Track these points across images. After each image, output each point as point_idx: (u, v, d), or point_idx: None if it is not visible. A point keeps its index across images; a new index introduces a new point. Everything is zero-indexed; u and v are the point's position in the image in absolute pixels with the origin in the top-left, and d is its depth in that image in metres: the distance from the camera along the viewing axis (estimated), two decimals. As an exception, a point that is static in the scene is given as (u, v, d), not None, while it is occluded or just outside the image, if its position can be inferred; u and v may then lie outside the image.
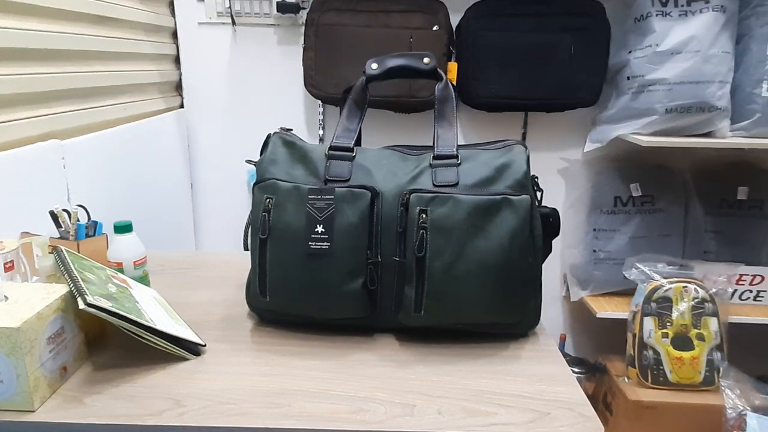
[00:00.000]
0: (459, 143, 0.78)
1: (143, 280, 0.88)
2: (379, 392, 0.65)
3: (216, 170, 1.75)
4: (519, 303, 0.75)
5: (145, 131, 1.38)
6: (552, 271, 1.89)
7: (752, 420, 1.47)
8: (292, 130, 0.86)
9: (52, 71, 1.03)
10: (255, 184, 0.78)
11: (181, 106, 1.68)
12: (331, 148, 0.78)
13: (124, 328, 0.65)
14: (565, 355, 1.86)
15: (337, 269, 0.72)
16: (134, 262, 0.86)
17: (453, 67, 1.56)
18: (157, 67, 1.52)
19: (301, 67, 1.56)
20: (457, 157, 0.76)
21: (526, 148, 0.79)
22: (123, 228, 0.86)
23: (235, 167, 1.74)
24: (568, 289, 1.87)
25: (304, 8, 1.56)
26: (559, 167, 1.79)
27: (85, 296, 0.61)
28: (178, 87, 1.68)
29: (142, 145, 1.36)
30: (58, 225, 0.86)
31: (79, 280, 0.66)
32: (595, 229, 1.73)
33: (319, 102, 1.65)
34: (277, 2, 1.53)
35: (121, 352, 0.72)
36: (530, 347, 0.77)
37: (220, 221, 1.74)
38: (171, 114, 1.56)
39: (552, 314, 1.95)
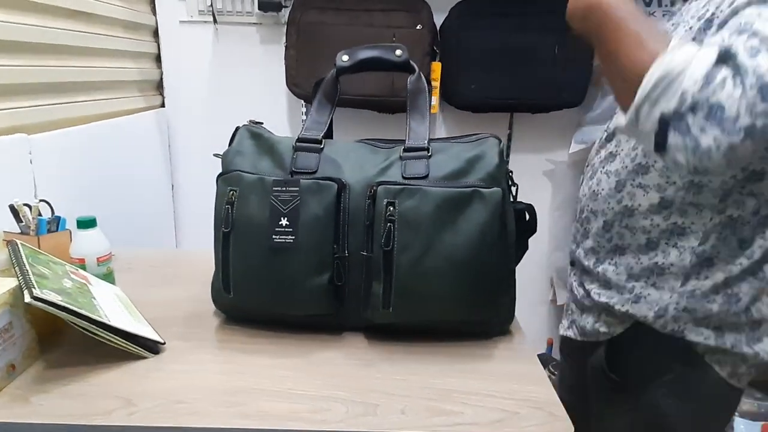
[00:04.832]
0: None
1: (107, 277, 0.85)
2: (341, 391, 0.62)
3: (197, 170, 1.72)
4: (490, 299, 0.72)
5: (122, 129, 1.35)
6: (539, 274, 1.86)
7: (740, 425, 1.45)
8: (262, 123, 0.84)
9: (19, 64, 1.00)
10: (219, 176, 0.76)
11: (162, 105, 1.66)
12: (298, 140, 0.75)
13: (75, 324, 0.62)
14: (551, 359, 1.84)
15: (301, 264, 0.69)
16: (97, 258, 0.83)
17: (437, 67, 1.54)
18: (137, 65, 1.49)
19: (284, 66, 1.54)
20: (428, 149, 0.73)
21: (500, 141, 0.76)
22: (86, 223, 0.83)
23: (216, 167, 1.70)
24: (555, 293, 1.84)
25: (287, 7, 1.54)
26: (546, 169, 1.77)
27: (32, 289, 0.59)
28: (159, 86, 1.65)
29: (119, 142, 1.34)
30: (18, 219, 0.83)
31: (29, 273, 0.63)
32: (581, 232, 1.71)
33: (302, 101, 1.63)
34: (258, 1, 1.52)
35: (76, 351, 0.69)
36: (504, 346, 0.74)
37: (201, 221, 1.69)
38: (151, 113, 1.54)
39: (539, 318, 1.93)
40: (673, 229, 0.71)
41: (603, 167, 0.80)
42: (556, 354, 1.93)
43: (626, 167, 0.74)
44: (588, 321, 0.83)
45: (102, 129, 1.25)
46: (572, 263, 0.89)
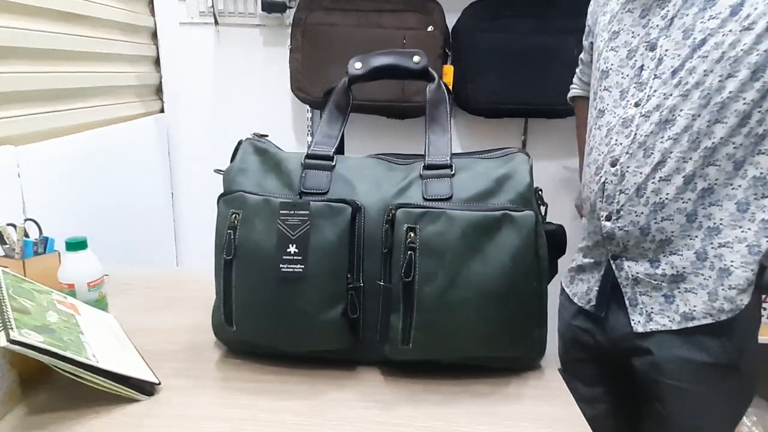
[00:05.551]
0: (455, 152, 0.69)
1: (99, 303, 0.78)
2: (358, 442, 0.55)
3: (199, 179, 1.65)
4: (521, 334, 0.65)
5: (118, 137, 1.29)
6: (556, 287, 1.79)
7: (769, 447, 1.37)
8: (267, 136, 0.77)
9: (7, 70, 0.94)
10: (220, 197, 0.69)
11: (161, 111, 1.59)
12: (307, 156, 0.68)
13: (58, 368, 0.55)
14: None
15: (312, 295, 0.62)
16: (88, 283, 0.77)
17: (449, 70, 1.47)
18: (135, 69, 1.42)
19: (288, 70, 1.47)
20: (450, 167, 0.67)
21: (529, 157, 0.70)
22: (76, 245, 0.76)
23: (219, 176, 1.64)
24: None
25: (291, 7, 1.47)
26: (562, 176, 1.70)
27: (9, 331, 0.52)
28: (158, 90, 1.59)
29: (116, 151, 1.27)
30: (2, 242, 0.76)
31: (9, 309, 0.56)
32: (599, 242, 1.64)
33: (307, 107, 1.56)
34: (262, 1, 1.45)
35: (63, 392, 0.62)
36: (534, 383, 0.67)
37: (203, 234, 1.64)
38: (149, 119, 1.47)
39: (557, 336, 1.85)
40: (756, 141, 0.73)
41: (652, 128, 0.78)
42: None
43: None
44: (691, 298, 0.79)
45: (96, 138, 1.18)
46: (616, 257, 0.86)
